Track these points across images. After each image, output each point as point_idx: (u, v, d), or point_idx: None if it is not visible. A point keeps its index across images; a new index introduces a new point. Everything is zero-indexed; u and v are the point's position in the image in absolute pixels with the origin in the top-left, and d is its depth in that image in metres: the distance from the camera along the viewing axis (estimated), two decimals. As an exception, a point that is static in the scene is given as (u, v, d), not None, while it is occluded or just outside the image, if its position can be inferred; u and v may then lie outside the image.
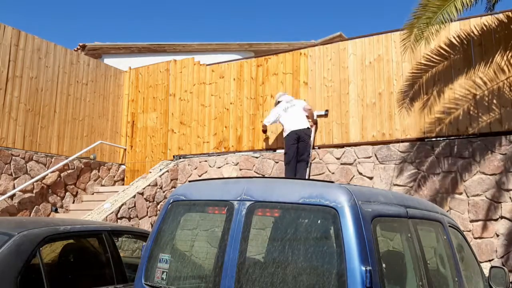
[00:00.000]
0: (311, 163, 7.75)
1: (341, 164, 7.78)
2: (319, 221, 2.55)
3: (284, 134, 7.66)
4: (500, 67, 6.96)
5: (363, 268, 2.25)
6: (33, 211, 8.41)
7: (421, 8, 6.53)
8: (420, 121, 7.46)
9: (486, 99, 7.03)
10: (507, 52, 6.88)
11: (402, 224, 2.88)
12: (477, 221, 6.59)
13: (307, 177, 7.48)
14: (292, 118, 7.63)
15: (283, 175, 8.11)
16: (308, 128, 7.62)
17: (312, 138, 7.92)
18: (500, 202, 6.49)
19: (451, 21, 6.35)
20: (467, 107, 7.14)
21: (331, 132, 8.15)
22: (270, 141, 8.78)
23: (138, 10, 40.21)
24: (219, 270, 2.68)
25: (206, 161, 9.19)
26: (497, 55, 6.99)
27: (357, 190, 2.61)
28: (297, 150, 7.45)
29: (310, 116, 7.93)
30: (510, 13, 6.98)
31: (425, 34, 6.46)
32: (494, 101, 6.96)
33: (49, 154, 8.93)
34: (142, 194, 8.56)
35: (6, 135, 8.25)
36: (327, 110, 8.17)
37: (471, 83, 7.15)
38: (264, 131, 8.54)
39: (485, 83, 7.06)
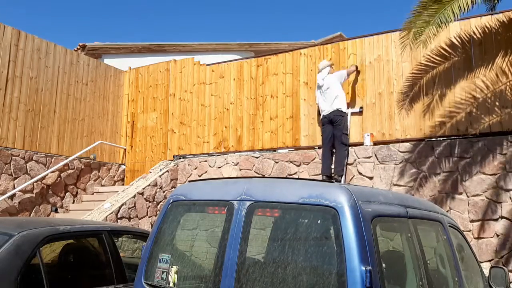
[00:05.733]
0: (349, 144, 7.68)
1: (341, 164, 7.76)
2: (319, 221, 2.55)
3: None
4: (501, 69, 6.95)
5: (363, 268, 2.25)
6: (33, 211, 8.41)
7: (420, 8, 6.53)
8: (420, 121, 7.46)
9: (487, 100, 7.02)
10: (509, 56, 6.86)
11: (402, 224, 2.88)
12: (477, 221, 6.59)
13: (346, 160, 7.53)
14: (324, 102, 7.72)
15: (283, 175, 8.12)
16: (338, 109, 7.56)
17: (349, 116, 7.83)
18: (500, 202, 6.49)
19: (448, 23, 6.35)
20: (467, 107, 7.14)
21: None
22: (274, 141, 8.78)
23: (138, 10, 40.23)
24: (219, 270, 2.68)
25: (206, 161, 9.19)
26: (498, 58, 6.96)
27: (357, 190, 2.61)
28: (332, 133, 7.55)
29: (349, 73, 7.92)
30: (511, 13, 6.96)
31: (422, 36, 6.46)
32: (495, 102, 6.96)
33: (49, 154, 8.93)
34: (142, 194, 8.56)
35: (6, 135, 8.25)
36: (361, 107, 7.98)
37: (472, 84, 7.15)
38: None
39: (485, 84, 7.05)
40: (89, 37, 44.96)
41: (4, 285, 3.17)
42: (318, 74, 8.00)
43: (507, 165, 6.54)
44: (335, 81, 7.71)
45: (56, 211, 8.78)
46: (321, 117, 7.79)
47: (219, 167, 8.96)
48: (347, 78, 7.88)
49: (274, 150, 8.70)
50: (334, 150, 7.61)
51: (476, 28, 7.20)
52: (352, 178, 7.63)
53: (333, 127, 7.56)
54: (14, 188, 8.13)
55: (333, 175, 7.43)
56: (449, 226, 3.52)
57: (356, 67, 8.06)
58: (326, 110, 7.65)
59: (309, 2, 39.74)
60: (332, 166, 7.53)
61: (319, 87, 7.85)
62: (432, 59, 7.48)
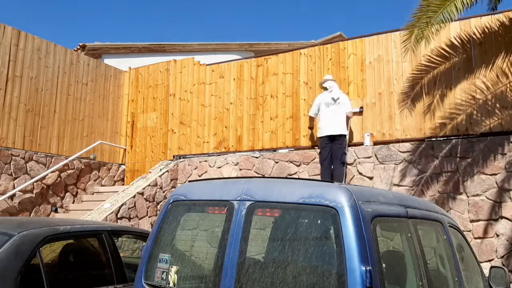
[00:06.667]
0: (347, 163, 7.58)
1: (341, 164, 7.76)
2: (319, 221, 2.55)
3: (318, 133, 7.63)
4: (502, 70, 6.95)
5: (363, 268, 2.24)
6: (33, 211, 8.41)
7: (421, 8, 6.53)
8: (420, 121, 7.46)
9: (487, 100, 7.02)
10: (509, 56, 6.86)
11: (402, 224, 2.88)
12: (477, 221, 6.59)
13: (344, 177, 7.39)
14: (330, 120, 7.45)
15: (283, 175, 8.11)
16: (343, 134, 7.44)
17: (347, 136, 7.67)
18: (500, 202, 6.49)
19: (452, 20, 6.34)
20: (467, 108, 7.14)
21: (331, 132, 8.12)
22: (274, 141, 8.78)
23: (138, 10, 40.23)
24: (219, 270, 2.68)
25: (206, 161, 9.19)
26: (498, 58, 6.95)
27: (357, 190, 2.61)
28: (331, 150, 7.38)
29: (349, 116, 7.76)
30: (511, 13, 6.96)
31: (425, 34, 6.45)
32: (495, 103, 6.96)
33: (49, 154, 8.93)
34: (142, 194, 8.56)
35: (6, 135, 8.25)
36: (361, 107, 7.96)
37: (472, 85, 7.15)
38: (311, 128, 8.17)
39: (486, 84, 7.05)
40: (89, 37, 44.98)
41: (4, 285, 3.17)
42: (329, 90, 7.68)
43: (507, 165, 6.54)
44: (345, 102, 7.59)
45: (56, 211, 8.78)
46: (322, 134, 7.47)
47: (219, 167, 8.96)
48: (348, 110, 7.64)
49: (274, 150, 8.70)
50: (332, 167, 7.43)
51: (476, 29, 7.20)
52: (352, 178, 7.63)
53: (333, 144, 7.37)
54: (14, 188, 8.13)
55: None
56: (449, 226, 3.52)
57: (361, 111, 7.87)
58: (331, 130, 7.39)
59: (309, 2, 39.75)
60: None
61: (331, 102, 7.55)
62: (432, 59, 7.48)
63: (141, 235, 4.91)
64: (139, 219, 8.38)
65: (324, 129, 7.50)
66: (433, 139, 7.33)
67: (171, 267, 2.97)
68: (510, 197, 6.44)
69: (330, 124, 7.47)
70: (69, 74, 9.57)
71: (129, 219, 8.18)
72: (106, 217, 7.71)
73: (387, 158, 7.42)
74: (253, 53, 12.79)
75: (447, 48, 7.40)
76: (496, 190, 6.54)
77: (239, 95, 9.31)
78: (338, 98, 7.58)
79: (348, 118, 7.70)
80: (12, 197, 8.07)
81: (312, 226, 2.56)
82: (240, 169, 8.69)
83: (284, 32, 39.99)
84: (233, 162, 8.82)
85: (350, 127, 7.91)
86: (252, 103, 9.12)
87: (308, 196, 2.57)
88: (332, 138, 7.42)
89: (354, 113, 7.95)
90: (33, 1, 39.62)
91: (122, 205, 8.10)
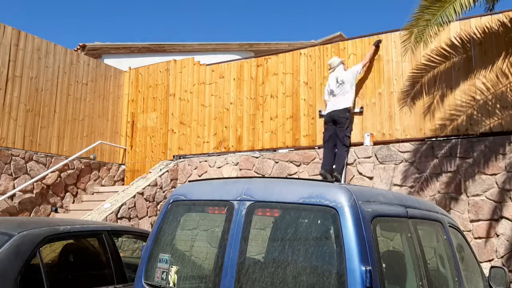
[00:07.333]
0: (350, 145, 7.64)
1: (341, 164, 7.76)
2: (319, 221, 2.55)
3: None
4: (501, 70, 6.95)
5: (363, 268, 2.25)
6: (33, 211, 8.41)
7: (420, 9, 6.53)
8: (420, 121, 7.46)
9: (487, 100, 7.02)
10: (509, 57, 6.85)
11: (402, 224, 2.88)
12: (477, 221, 6.59)
13: (346, 161, 7.50)
14: (332, 101, 7.66)
15: (283, 175, 8.12)
16: (343, 109, 7.50)
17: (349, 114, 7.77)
18: (500, 202, 6.49)
19: (449, 22, 6.35)
20: (467, 107, 7.14)
21: (331, 132, 8.12)
22: (274, 141, 8.78)
23: (138, 10, 40.23)
24: (219, 270, 2.68)
25: (206, 161, 9.19)
26: (498, 59, 6.94)
27: (357, 190, 2.61)
28: (334, 132, 7.51)
29: (366, 63, 7.88)
30: (511, 13, 6.96)
31: (424, 36, 6.46)
32: (495, 103, 6.95)
33: (49, 154, 8.93)
34: (142, 194, 8.56)
35: (6, 135, 8.25)
36: (361, 107, 7.98)
37: (472, 85, 7.14)
38: (321, 115, 8.21)
39: (486, 85, 7.05)
40: (89, 37, 44.99)
41: (4, 285, 3.17)
42: (332, 72, 7.87)
43: (507, 165, 6.54)
44: (350, 78, 7.64)
45: (56, 211, 8.78)
46: (325, 114, 7.73)
47: (219, 167, 8.96)
48: (361, 72, 7.83)
49: (274, 150, 8.70)
50: (335, 149, 7.55)
51: (476, 29, 7.20)
52: (352, 178, 7.62)
53: (336, 127, 7.53)
54: (14, 188, 8.13)
55: (333, 173, 7.42)
56: (449, 226, 3.52)
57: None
58: (332, 107, 7.59)
59: (309, 2, 39.76)
60: (333, 166, 7.52)
61: (334, 84, 7.70)
62: (432, 58, 7.48)
63: (141, 235, 4.91)
64: (139, 219, 8.38)
65: (326, 109, 7.73)
66: (433, 139, 7.32)
67: (171, 267, 2.97)
68: (510, 197, 6.44)
69: (331, 104, 7.66)
70: (69, 74, 9.57)
71: (129, 219, 8.18)
72: (106, 217, 7.71)
73: (387, 158, 7.42)
74: (253, 53, 12.79)
75: (447, 48, 7.40)
76: (496, 190, 6.54)
77: (239, 95, 9.31)
78: (338, 77, 7.66)
79: (364, 65, 7.84)
80: (12, 197, 8.07)
81: (312, 226, 2.56)
82: (240, 169, 8.69)
83: (284, 32, 40.01)
84: (233, 162, 8.81)
85: (351, 127, 7.89)
86: (252, 103, 9.12)
87: (308, 196, 2.57)
88: (334, 120, 7.52)
89: (354, 113, 7.96)
90: (33, 1, 39.63)
91: (122, 205, 8.10)
